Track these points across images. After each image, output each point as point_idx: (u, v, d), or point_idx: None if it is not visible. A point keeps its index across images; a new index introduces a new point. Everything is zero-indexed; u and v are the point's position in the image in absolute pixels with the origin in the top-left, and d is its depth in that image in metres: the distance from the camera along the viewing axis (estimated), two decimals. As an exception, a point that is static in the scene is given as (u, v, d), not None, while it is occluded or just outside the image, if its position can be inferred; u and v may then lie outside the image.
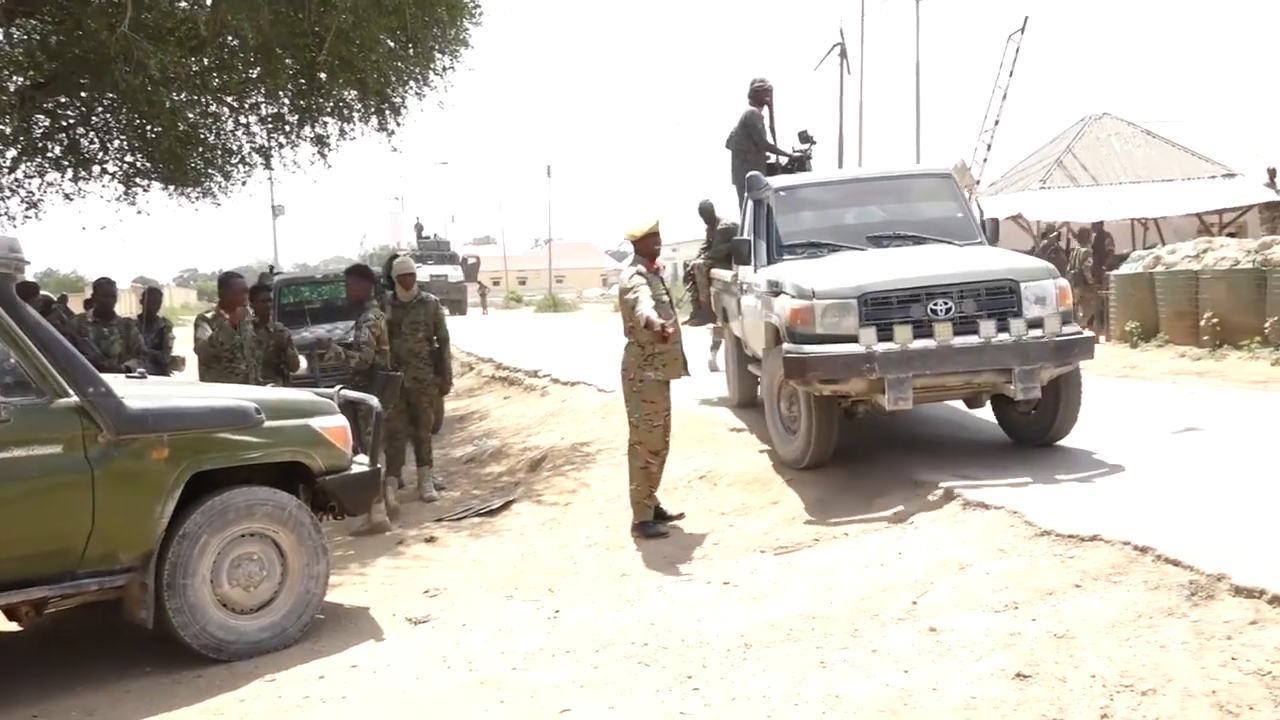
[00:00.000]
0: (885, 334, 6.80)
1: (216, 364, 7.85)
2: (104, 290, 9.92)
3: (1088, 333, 7.34)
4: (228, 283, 8.26)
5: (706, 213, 11.71)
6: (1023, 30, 26.79)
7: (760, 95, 10.60)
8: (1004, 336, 6.81)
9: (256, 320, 8.84)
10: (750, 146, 10.40)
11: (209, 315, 8.09)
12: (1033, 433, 7.60)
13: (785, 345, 7.11)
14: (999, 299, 6.92)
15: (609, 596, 5.88)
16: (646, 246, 7.16)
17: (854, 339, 6.81)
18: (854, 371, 6.76)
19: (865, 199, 8.81)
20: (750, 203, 9.06)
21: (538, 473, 9.68)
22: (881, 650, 4.44)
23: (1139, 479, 6.42)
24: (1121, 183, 24.66)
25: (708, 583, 5.85)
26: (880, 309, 6.86)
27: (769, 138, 10.61)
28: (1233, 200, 23.36)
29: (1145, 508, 5.74)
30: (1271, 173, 20.79)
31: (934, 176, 9.04)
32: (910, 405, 6.80)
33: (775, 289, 7.51)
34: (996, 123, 26.72)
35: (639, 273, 7.03)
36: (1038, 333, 6.83)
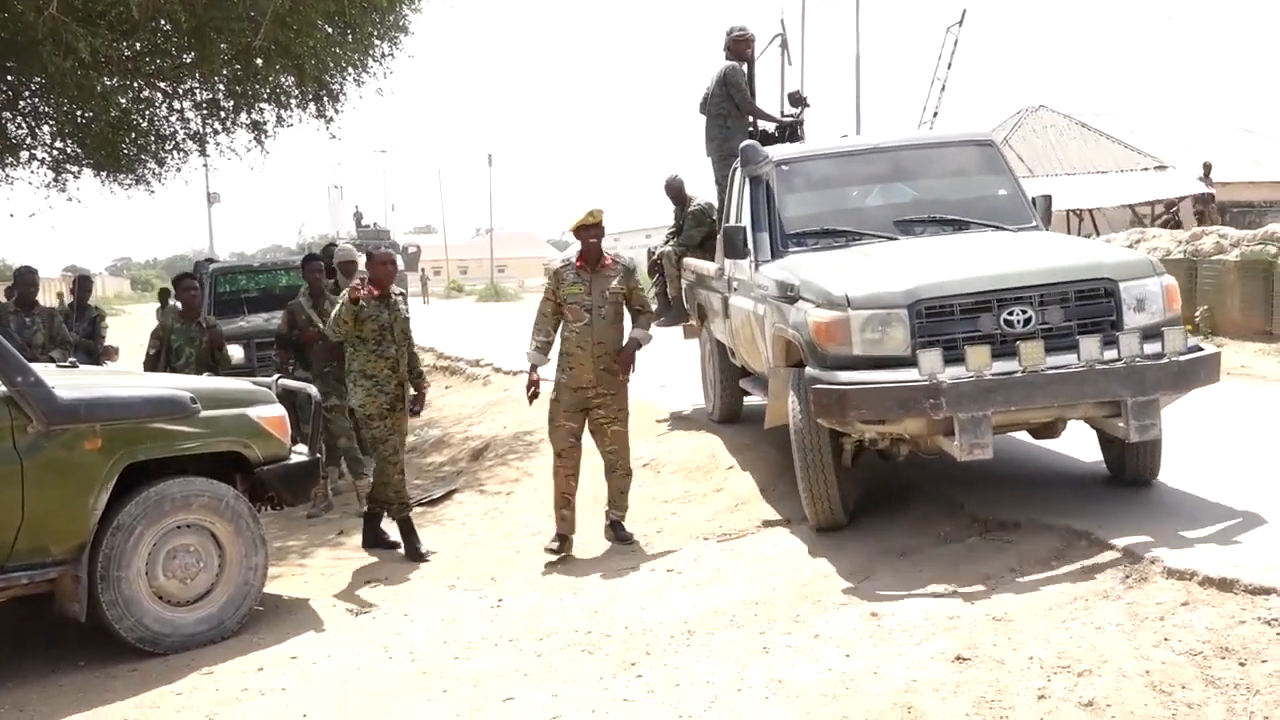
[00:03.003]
0: (947, 353, 5.06)
1: (363, 347, 6.91)
2: (25, 279, 9.67)
3: (1210, 347, 5.58)
4: (371, 256, 7.35)
5: (675, 191, 9.84)
6: (961, 23, 27.18)
7: (740, 47, 8.90)
8: (1111, 356, 5.05)
9: (187, 312, 8.59)
10: (731, 109, 8.75)
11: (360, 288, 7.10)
12: (1117, 466, 5.99)
13: (810, 371, 5.40)
14: (1093, 304, 5.31)
15: (552, 585, 5.87)
16: (583, 240, 6.58)
17: (904, 362, 5.11)
18: (911, 409, 5.03)
19: (890, 174, 7.05)
20: (743, 179, 7.36)
21: (480, 462, 9.65)
22: (823, 635, 4.48)
23: (1071, 465, 6.52)
24: (1057, 174, 25.14)
25: (651, 570, 5.86)
26: (938, 321, 5.22)
27: (752, 97, 8.96)
28: (1165, 192, 23.86)
29: (1079, 492, 5.85)
30: (1207, 167, 21.16)
31: (973, 144, 7.23)
32: (991, 453, 5.04)
33: (789, 293, 5.83)
34: (935, 114, 27.09)
35: (558, 270, 6.68)
36: (1154, 349, 5.13)
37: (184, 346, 8.38)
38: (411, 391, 7.09)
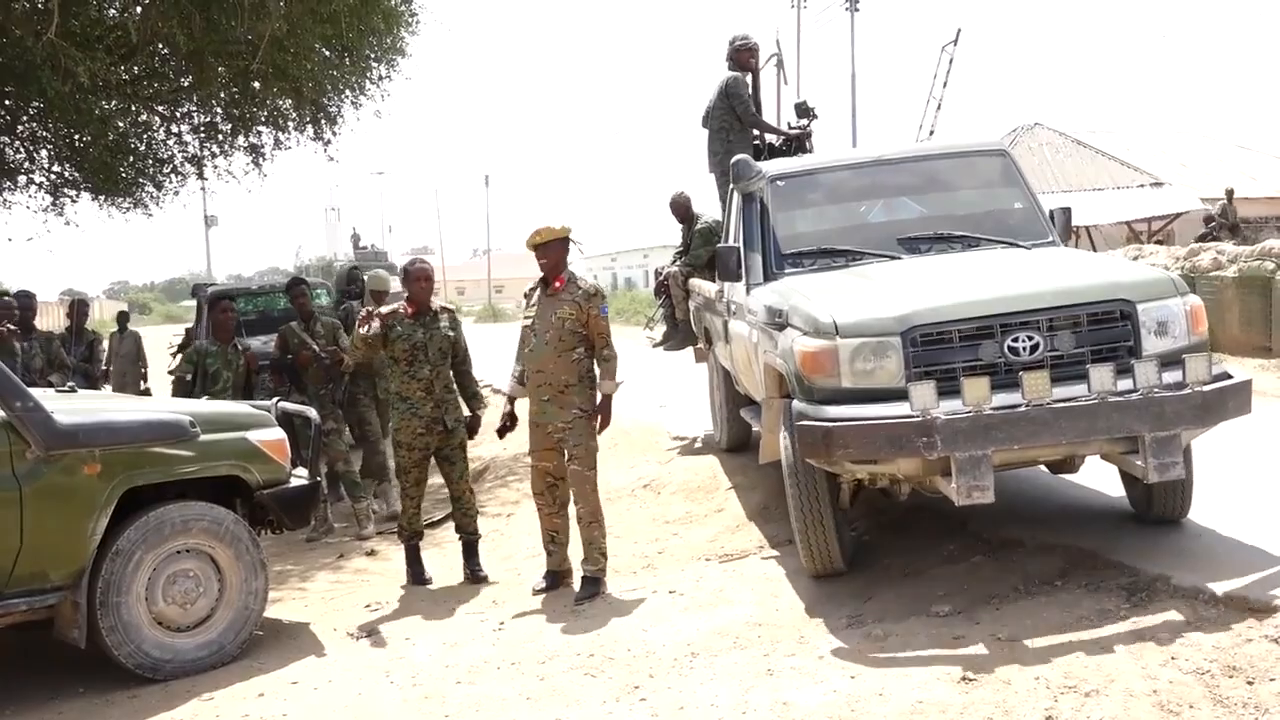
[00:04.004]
0: (946, 385, 4.61)
1: (395, 367, 6.58)
2: (22, 303, 9.67)
3: (1240, 375, 5.01)
4: (407, 272, 6.79)
5: (681, 208, 9.41)
6: (956, 42, 27.30)
7: (744, 57, 8.51)
8: (1125, 387, 4.57)
9: (223, 335, 8.15)
10: (734, 122, 8.31)
11: (384, 311, 6.68)
12: (1142, 504, 5.54)
13: (797, 405, 4.95)
14: (1108, 329, 4.80)
15: (554, 608, 5.84)
16: (538, 260, 6.09)
17: (899, 394, 4.63)
18: (903, 448, 4.56)
19: (894, 188, 6.54)
20: (736, 196, 6.89)
21: (480, 484, 9.60)
22: (828, 656, 4.45)
23: (1077, 484, 6.51)
24: (1053, 191, 25.19)
25: (653, 592, 5.83)
26: (936, 349, 4.74)
27: (757, 111, 8.60)
28: (1161, 208, 23.92)
29: (1084, 511, 5.83)
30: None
31: (985, 154, 6.68)
32: (993, 496, 4.54)
33: (778, 319, 5.38)
34: (931, 132, 27.16)
35: (527, 293, 6.30)
36: (1173, 378, 4.60)
37: (221, 370, 7.99)
38: (466, 413, 6.76)
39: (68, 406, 5.26)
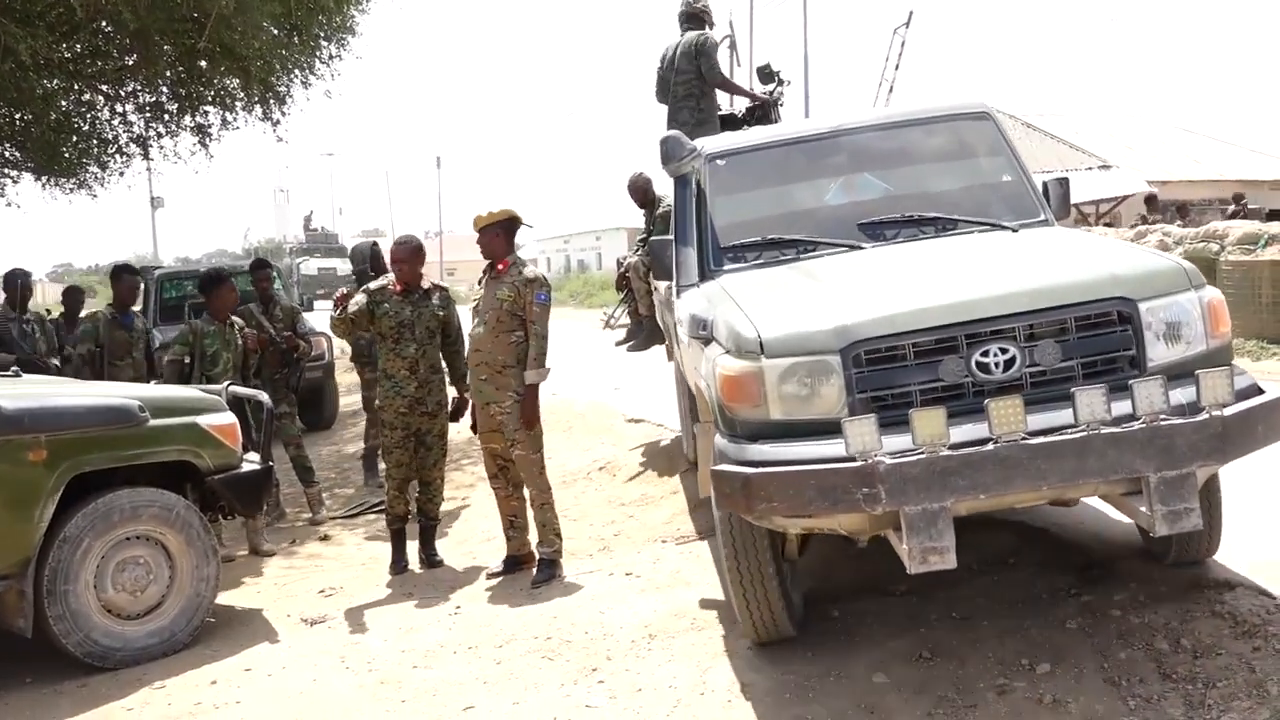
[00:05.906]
0: (895, 416, 3.59)
1: (383, 344, 6.41)
2: (21, 282, 9.41)
3: (1273, 389, 3.78)
4: (392, 250, 6.61)
5: (640, 191, 8.42)
6: (907, 24, 27.41)
7: (700, 19, 7.60)
8: (1124, 412, 3.44)
9: (220, 315, 7.61)
10: (705, 88, 7.27)
11: (372, 287, 6.50)
12: (1159, 546, 4.55)
13: (718, 442, 3.92)
14: (1102, 335, 3.76)
15: (510, 591, 5.82)
16: (480, 243, 6.06)
17: (837, 427, 3.54)
18: (838, 502, 3.52)
19: (855, 162, 5.44)
20: (671, 181, 6.00)
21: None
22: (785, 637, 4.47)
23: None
24: (1003, 174, 25.34)
25: (610, 574, 5.83)
26: (885, 369, 3.74)
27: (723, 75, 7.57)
28: (1108, 191, 24.21)
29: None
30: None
31: (964, 117, 5.42)
32: (954, 560, 3.46)
33: (703, 331, 4.33)
34: (883, 115, 27.26)
35: (480, 276, 6.18)
36: (1188, 397, 3.49)
37: (221, 351, 7.55)
38: (453, 394, 6.54)
39: (12, 391, 5.17)
